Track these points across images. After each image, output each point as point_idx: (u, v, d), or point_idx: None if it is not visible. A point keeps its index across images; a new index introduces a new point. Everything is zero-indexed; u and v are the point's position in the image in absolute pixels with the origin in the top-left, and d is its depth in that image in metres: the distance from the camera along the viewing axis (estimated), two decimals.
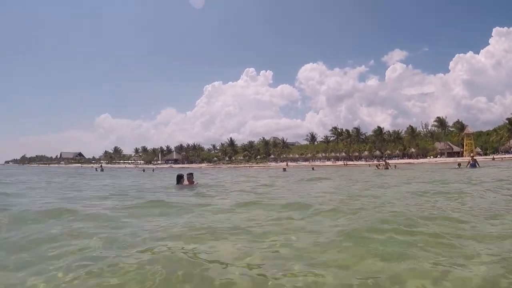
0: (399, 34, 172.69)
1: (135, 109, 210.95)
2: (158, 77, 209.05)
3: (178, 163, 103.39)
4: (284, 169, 34.78)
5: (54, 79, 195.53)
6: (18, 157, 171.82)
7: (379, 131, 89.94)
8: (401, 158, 77.29)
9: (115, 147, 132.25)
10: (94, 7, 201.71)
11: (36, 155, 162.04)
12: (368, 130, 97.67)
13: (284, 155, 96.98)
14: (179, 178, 11.46)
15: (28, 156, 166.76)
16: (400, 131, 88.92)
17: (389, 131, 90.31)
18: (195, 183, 11.45)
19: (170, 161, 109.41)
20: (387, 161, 33.68)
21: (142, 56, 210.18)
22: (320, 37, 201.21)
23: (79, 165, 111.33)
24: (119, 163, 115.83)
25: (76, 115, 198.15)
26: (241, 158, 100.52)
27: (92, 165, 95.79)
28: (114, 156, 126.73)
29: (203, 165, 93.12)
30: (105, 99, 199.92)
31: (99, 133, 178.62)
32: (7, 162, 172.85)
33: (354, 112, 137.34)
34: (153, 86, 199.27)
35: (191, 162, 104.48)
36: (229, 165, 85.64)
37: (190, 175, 11.40)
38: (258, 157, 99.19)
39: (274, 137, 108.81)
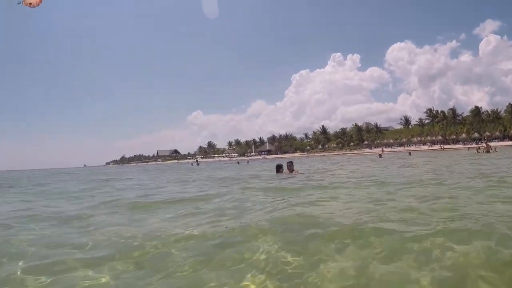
0: (490, 2, 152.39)
1: (225, 104, 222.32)
2: (246, 71, 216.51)
3: (271, 154, 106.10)
4: (380, 155, 35.91)
5: (148, 82, 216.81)
6: (118, 158, 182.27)
7: (476, 111, 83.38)
8: (501, 140, 69.99)
9: (208, 142, 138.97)
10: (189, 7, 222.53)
11: (134, 155, 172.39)
12: (464, 110, 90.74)
13: (378, 141, 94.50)
14: (279, 168, 11.62)
15: (127, 156, 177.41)
16: (499, 110, 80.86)
17: (487, 111, 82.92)
18: (295, 171, 11.34)
19: (263, 152, 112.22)
20: (488, 143, 32.64)
21: (231, 50, 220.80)
22: (405, 13, 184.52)
23: (175, 161, 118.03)
24: (213, 157, 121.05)
25: (169, 114, 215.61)
26: (334, 145, 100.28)
27: (187, 160, 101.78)
28: (209, 150, 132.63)
29: (296, 154, 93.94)
30: (196, 97, 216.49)
31: (192, 130, 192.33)
32: (107, 163, 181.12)
33: (449, 91, 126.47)
34: (242, 80, 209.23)
35: (284, 152, 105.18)
36: (322, 154, 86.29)
37: (290, 164, 11.44)
38: (351, 144, 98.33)
39: (366, 123, 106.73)
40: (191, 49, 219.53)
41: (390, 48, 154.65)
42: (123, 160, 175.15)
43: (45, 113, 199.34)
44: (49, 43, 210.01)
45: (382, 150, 65.18)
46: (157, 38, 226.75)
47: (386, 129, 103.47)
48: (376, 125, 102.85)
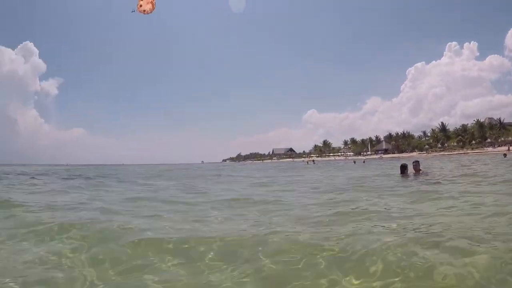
0: None
1: (340, 102, 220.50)
2: (359, 67, 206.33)
3: (388, 153, 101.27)
4: (505, 155, 32.95)
5: (264, 82, 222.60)
6: (234, 155, 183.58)
7: None
8: None
9: (324, 140, 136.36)
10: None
11: (250, 153, 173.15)
12: None
13: (503, 138, 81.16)
14: (403, 168, 11.04)
15: (243, 154, 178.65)
16: None
17: None
18: (421, 171, 10.82)
19: (379, 151, 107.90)
20: None
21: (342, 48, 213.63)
22: None
23: (291, 159, 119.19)
24: (328, 155, 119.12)
25: (284, 114, 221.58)
26: (454, 144, 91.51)
27: (302, 159, 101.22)
28: (324, 149, 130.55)
29: (414, 153, 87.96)
30: (311, 96, 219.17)
31: (308, 129, 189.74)
32: (224, 160, 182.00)
33: None
34: (356, 78, 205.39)
35: (401, 151, 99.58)
36: (442, 153, 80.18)
37: (417, 163, 10.99)
38: (473, 142, 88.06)
39: (489, 118, 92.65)
40: (303, 49, 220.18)
41: (510, 32, 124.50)
42: (239, 158, 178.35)
43: (172, 112, 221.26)
44: (174, 46, 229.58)
45: (509, 149, 55.99)
46: (267, 37, 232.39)
47: (510, 125, 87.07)
48: (500, 120, 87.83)
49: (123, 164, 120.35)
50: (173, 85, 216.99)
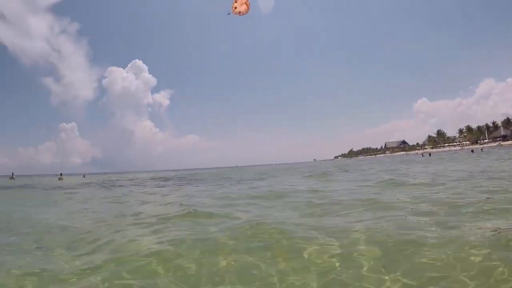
0: None
1: (451, 87, 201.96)
2: (467, 47, 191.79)
3: (507, 140, 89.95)
4: None
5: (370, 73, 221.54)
6: (346, 152, 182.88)
7: None
8: None
9: (437, 130, 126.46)
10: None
11: (362, 148, 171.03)
12: None
13: None
14: None
15: (354, 150, 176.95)
16: None
17: None
18: None
19: (498, 138, 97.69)
20: None
21: (447, 30, 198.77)
22: None
23: (403, 152, 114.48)
24: (443, 146, 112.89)
25: (393, 105, 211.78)
26: None
27: (416, 151, 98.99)
28: (438, 139, 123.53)
29: None
30: (419, 84, 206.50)
31: (419, 119, 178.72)
32: (336, 157, 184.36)
33: None
34: (464, 59, 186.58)
35: None
36: None
37: None
38: None
39: None
40: (406, 35, 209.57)
41: None
42: (351, 154, 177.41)
43: (276, 113, 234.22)
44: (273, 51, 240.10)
45: None
46: (377, 28, 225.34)
47: None
48: None
49: (236, 166, 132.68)
50: (280, 88, 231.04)
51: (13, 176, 39.52)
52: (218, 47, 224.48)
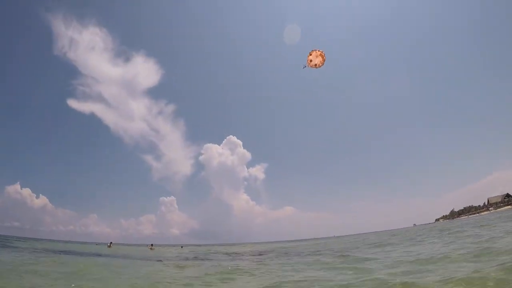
0: None
1: None
2: None
3: None
4: None
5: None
6: (447, 213, 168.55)
7: None
8: None
9: None
10: None
11: (464, 207, 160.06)
12: None
13: None
14: None
15: (456, 209, 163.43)
16: None
17: None
18: None
19: None
20: None
21: None
22: None
23: (510, 207, 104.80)
24: None
25: (491, 154, 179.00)
26: None
27: None
28: None
29: None
30: None
31: None
32: (437, 219, 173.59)
33: None
34: None
35: None
36: None
37: None
38: None
39: None
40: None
41: None
42: (453, 214, 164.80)
43: (367, 183, 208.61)
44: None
45: None
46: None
47: None
48: None
49: (334, 236, 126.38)
50: (371, 158, 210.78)
51: (111, 245, 42.77)
52: (310, 124, 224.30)
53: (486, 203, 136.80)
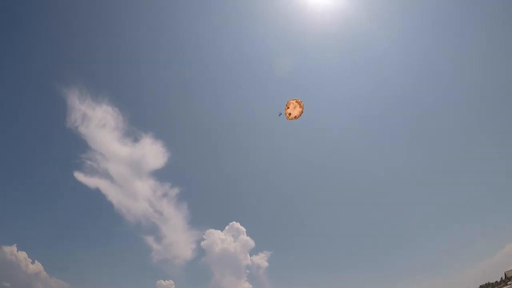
0: None
1: None
2: None
3: None
4: None
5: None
6: None
7: None
8: None
9: None
10: None
11: (480, 286, 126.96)
12: None
13: None
14: None
15: None
16: None
17: None
18: None
19: None
20: None
21: None
22: None
23: None
24: None
25: (498, 224, 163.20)
26: None
27: None
28: None
29: None
30: None
31: None
32: None
33: None
34: None
35: None
36: None
37: None
38: None
39: None
40: None
41: None
42: None
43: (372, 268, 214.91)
44: None
45: None
46: None
47: None
48: None
49: None
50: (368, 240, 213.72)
51: None
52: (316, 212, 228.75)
53: (504, 277, 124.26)
